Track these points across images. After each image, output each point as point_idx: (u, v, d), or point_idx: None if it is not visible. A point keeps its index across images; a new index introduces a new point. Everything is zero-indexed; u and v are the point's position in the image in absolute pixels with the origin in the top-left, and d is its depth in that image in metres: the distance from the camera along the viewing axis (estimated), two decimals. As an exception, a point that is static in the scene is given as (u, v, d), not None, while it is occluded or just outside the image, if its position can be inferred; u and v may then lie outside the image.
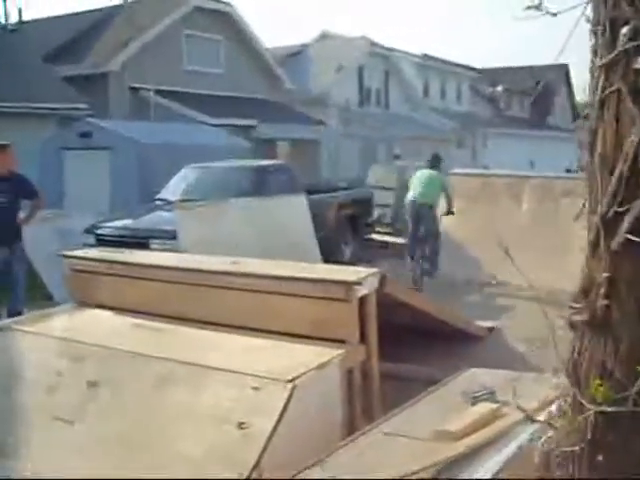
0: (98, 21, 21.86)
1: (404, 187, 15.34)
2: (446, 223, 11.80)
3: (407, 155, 27.02)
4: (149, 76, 18.97)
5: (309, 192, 10.19)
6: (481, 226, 11.37)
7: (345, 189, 13.66)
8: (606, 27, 1.69)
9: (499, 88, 41.22)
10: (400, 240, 13.43)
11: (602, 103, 1.80)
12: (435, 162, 11.42)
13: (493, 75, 41.76)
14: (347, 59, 28.61)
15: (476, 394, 3.57)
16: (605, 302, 1.97)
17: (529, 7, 1.68)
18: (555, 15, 1.71)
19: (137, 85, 19.68)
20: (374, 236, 13.37)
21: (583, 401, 2.00)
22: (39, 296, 8.85)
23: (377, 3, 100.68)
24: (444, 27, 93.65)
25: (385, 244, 13.49)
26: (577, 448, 2.04)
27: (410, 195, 11.06)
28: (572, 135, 27.53)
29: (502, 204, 11.35)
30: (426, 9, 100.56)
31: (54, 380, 4.51)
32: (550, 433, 2.34)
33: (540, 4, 1.69)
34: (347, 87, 28.44)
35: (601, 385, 1.92)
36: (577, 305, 2.15)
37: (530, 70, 44.02)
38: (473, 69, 40.64)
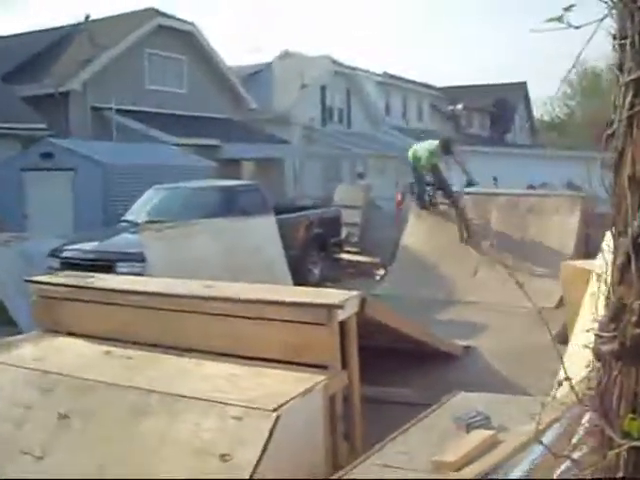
0: (58, 39, 21.46)
1: (371, 205, 15.37)
2: (413, 240, 11.80)
3: (370, 173, 27.10)
4: (111, 95, 18.69)
5: (276, 211, 10.06)
6: (449, 244, 11.40)
7: (311, 208, 13.56)
8: (635, 40, 1.61)
9: (459, 106, 41.59)
10: (367, 259, 13.38)
11: (630, 121, 1.72)
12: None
13: (453, 94, 42.17)
14: (309, 78, 28.61)
15: (471, 420, 3.46)
16: (637, 331, 1.87)
17: (551, 19, 1.60)
18: (578, 28, 1.63)
19: (98, 105, 19.37)
20: (343, 255, 13.28)
21: (614, 436, 1.89)
22: (0, 321, 8.58)
23: (336, 23, 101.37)
24: (404, 46, 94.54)
25: (353, 263, 13.40)
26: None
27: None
28: (532, 151, 27.91)
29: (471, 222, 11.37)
30: (386, 29, 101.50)
31: (22, 412, 4.31)
32: (565, 466, 2.23)
33: (561, 17, 1.61)
34: (310, 106, 28.43)
35: (634, 419, 1.82)
36: (605, 334, 2.04)
37: (489, 88, 44.63)
38: (433, 87, 41.02)
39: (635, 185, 1.75)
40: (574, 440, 2.50)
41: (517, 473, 2.73)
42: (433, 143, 11.95)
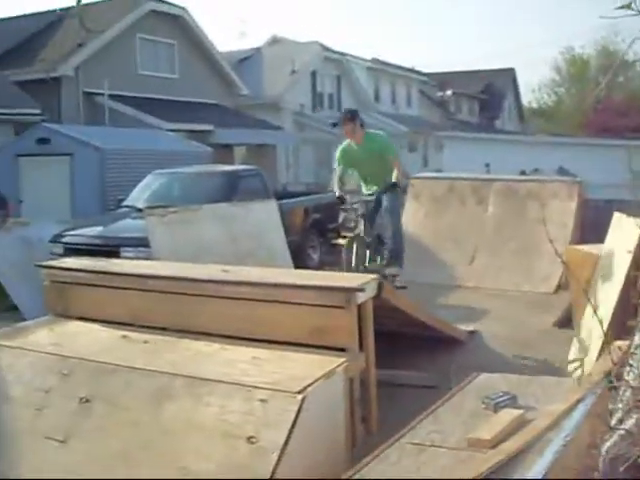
0: (49, 24, 21.34)
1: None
2: (411, 226, 11.81)
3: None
4: (103, 80, 18.60)
5: (276, 197, 10.07)
6: (447, 229, 11.42)
7: (306, 194, 13.57)
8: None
9: (448, 92, 41.64)
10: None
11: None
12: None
13: (442, 79, 42.19)
14: (299, 64, 28.55)
15: (498, 400, 3.51)
16: None
17: (621, 7, 1.62)
18: (646, 14, 1.65)
19: (90, 90, 19.28)
20: (340, 241, 13.28)
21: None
22: (3, 306, 8.56)
23: (323, 8, 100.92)
24: (393, 32, 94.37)
25: (350, 248, 13.40)
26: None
27: None
28: (522, 138, 28.01)
29: (468, 207, 11.39)
30: (376, 14, 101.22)
31: (42, 397, 4.31)
32: (613, 440, 2.28)
33: (630, 3, 1.63)
34: (300, 91, 28.38)
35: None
36: None
37: (478, 75, 44.69)
38: (422, 73, 41.01)
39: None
40: (617, 415, 2.54)
41: (551, 450, 2.78)
42: None
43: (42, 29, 21.20)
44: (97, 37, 19.78)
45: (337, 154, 8.28)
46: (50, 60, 19.19)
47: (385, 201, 8.11)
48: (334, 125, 9.36)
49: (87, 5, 21.16)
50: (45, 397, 4.29)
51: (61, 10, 21.84)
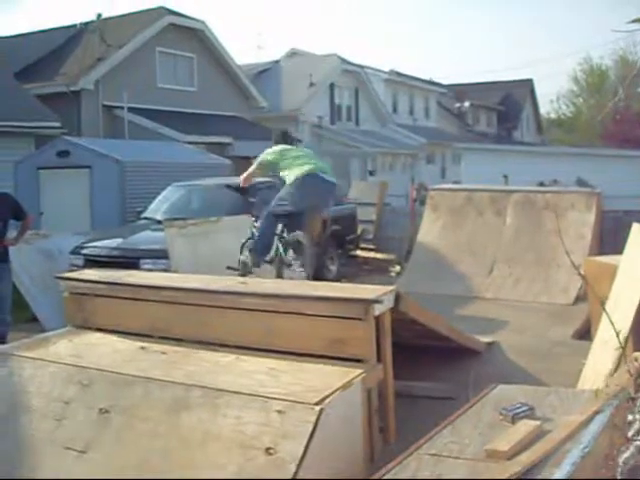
0: (70, 38, 21.57)
1: (385, 203, 15.39)
2: (429, 237, 11.82)
3: (379, 170, 27.14)
4: (122, 94, 18.79)
5: (294, 209, 10.08)
6: (465, 240, 11.41)
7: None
8: None
9: (466, 104, 41.62)
10: (383, 256, 13.41)
11: None
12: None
13: (460, 91, 42.18)
14: (318, 76, 28.67)
15: (516, 411, 3.51)
16: None
17: (635, 20, 1.63)
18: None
19: (110, 103, 19.48)
20: (359, 252, 13.32)
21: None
22: (23, 318, 8.63)
23: (340, 21, 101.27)
24: (411, 44, 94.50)
25: (368, 260, 13.45)
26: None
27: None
28: (540, 149, 27.92)
29: (486, 219, 11.38)
30: (393, 26, 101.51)
31: (62, 408, 4.35)
32: (630, 451, 2.27)
33: (643, 16, 1.64)
34: (318, 104, 28.48)
35: None
36: None
37: (496, 86, 44.63)
38: (440, 85, 41.04)
39: None
40: (635, 426, 2.54)
41: (569, 461, 2.78)
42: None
43: (62, 44, 21.44)
44: (117, 51, 19.98)
45: None
46: (70, 74, 19.40)
47: None
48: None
49: (107, 19, 21.39)
50: (65, 407, 4.33)
51: (81, 24, 22.09)
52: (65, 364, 4.69)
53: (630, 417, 2.84)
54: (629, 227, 6.45)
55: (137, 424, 4.05)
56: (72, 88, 18.94)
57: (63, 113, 17.76)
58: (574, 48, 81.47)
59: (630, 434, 2.62)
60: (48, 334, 5.61)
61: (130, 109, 19.14)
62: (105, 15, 21.67)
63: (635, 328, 4.68)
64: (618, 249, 6.59)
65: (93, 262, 8.16)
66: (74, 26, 22.23)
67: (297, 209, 7.56)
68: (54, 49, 21.19)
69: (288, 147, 8.14)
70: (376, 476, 3.30)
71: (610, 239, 9.97)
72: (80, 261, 8.55)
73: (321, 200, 8.01)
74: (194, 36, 22.64)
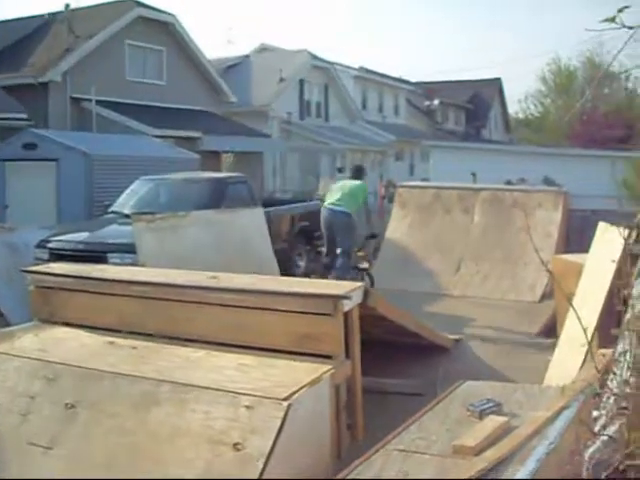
0: (37, 29, 21.26)
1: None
2: (397, 234, 11.86)
3: (348, 167, 27.17)
4: (90, 86, 18.57)
5: (262, 205, 10.07)
6: (433, 238, 11.48)
7: (293, 201, 13.60)
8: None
9: (435, 102, 41.83)
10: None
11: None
12: (358, 174, 10.39)
13: (429, 89, 42.39)
14: (287, 72, 28.60)
15: (483, 407, 3.54)
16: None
17: (605, 20, 1.65)
18: (631, 29, 1.69)
19: (78, 95, 19.24)
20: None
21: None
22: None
23: (310, 17, 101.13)
24: (381, 42, 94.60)
25: (336, 256, 13.44)
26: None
27: (327, 203, 9.83)
28: (508, 148, 28.14)
29: (454, 216, 11.45)
30: (364, 24, 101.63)
31: (27, 403, 4.29)
32: (596, 446, 2.31)
33: (614, 17, 1.67)
34: (288, 100, 28.42)
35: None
36: None
37: (465, 85, 44.93)
38: (410, 83, 41.19)
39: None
40: (600, 422, 2.58)
41: (535, 457, 2.81)
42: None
43: (30, 34, 21.13)
44: (85, 43, 19.74)
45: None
46: (38, 65, 19.14)
47: None
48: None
49: (75, 10, 21.09)
50: (30, 402, 4.27)
51: (49, 15, 21.78)
52: (30, 358, 4.62)
53: (596, 413, 2.89)
54: (595, 226, 6.55)
55: (104, 419, 4.01)
56: (39, 79, 18.67)
57: (30, 105, 17.53)
58: (543, 49, 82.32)
59: (596, 429, 2.66)
60: (13, 328, 5.53)
61: (98, 102, 18.93)
62: (74, 6, 21.39)
63: (601, 325, 4.75)
64: (584, 247, 6.68)
65: (59, 256, 8.06)
66: (42, 16, 21.91)
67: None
68: (21, 39, 20.86)
69: (339, 183, 10.30)
70: (342, 474, 3.30)
71: (576, 237, 10.10)
72: (45, 255, 8.44)
73: (336, 229, 9.70)
74: (164, 29, 22.45)
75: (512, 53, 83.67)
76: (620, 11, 1.68)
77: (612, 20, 1.65)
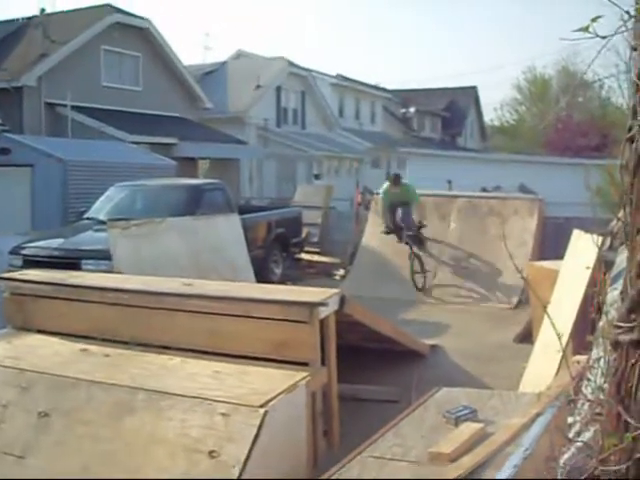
0: (11, 33, 20.99)
1: (331, 206, 15.43)
2: (373, 242, 11.90)
3: (325, 174, 27.19)
4: (66, 92, 18.41)
5: (238, 212, 10.05)
6: (410, 245, 11.51)
7: (269, 208, 13.61)
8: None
9: (412, 109, 42.00)
10: (327, 259, 13.45)
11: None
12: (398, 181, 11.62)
13: (405, 97, 42.57)
14: (264, 79, 28.57)
15: (459, 414, 3.54)
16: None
17: (579, 29, 1.67)
18: (604, 38, 1.71)
19: (53, 101, 19.08)
20: (303, 255, 13.32)
21: (630, 420, 1.98)
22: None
23: (288, 24, 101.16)
24: (358, 50, 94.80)
25: (313, 263, 13.46)
26: (623, 467, 2.02)
27: None
28: (484, 155, 28.34)
29: (430, 223, 11.50)
30: (342, 31, 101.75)
31: (0, 412, 4.24)
32: (571, 452, 2.32)
33: (588, 27, 1.68)
34: (264, 107, 28.39)
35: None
36: (623, 325, 2.13)
37: (441, 92, 45.16)
38: (386, 90, 41.32)
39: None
40: (575, 428, 2.59)
41: (510, 463, 2.82)
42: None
43: (4, 38, 20.89)
44: (61, 47, 19.56)
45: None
46: (12, 70, 18.95)
47: None
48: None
49: (51, 15, 20.93)
50: (2, 411, 4.23)
51: (24, 19, 21.58)
52: (3, 366, 4.58)
53: (571, 419, 2.90)
54: (570, 233, 6.61)
55: (78, 428, 3.97)
56: (14, 84, 18.48)
57: (4, 110, 17.37)
58: (520, 57, 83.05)
59: (571, 435, 2.68)
60: (-15, 336, 5.46)
61: (74, 107, 18.77)
62: (49, 10, 21.22)
63: (576, 332, 4.79)
64: (559, 254, 6.74)
65: (33, 263, 7.98)
66: (16, 20, 21.71)
67: None
68: (-6, 43, 20.67)
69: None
70: None
71: (551, 244, 10.18)
72: (19, 261, 8.37)
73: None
74: (140, 35, 22.35)
75: (489, 62, 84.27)
76: (594, 21, 1.70)
77: (586, 30, 1.67)
